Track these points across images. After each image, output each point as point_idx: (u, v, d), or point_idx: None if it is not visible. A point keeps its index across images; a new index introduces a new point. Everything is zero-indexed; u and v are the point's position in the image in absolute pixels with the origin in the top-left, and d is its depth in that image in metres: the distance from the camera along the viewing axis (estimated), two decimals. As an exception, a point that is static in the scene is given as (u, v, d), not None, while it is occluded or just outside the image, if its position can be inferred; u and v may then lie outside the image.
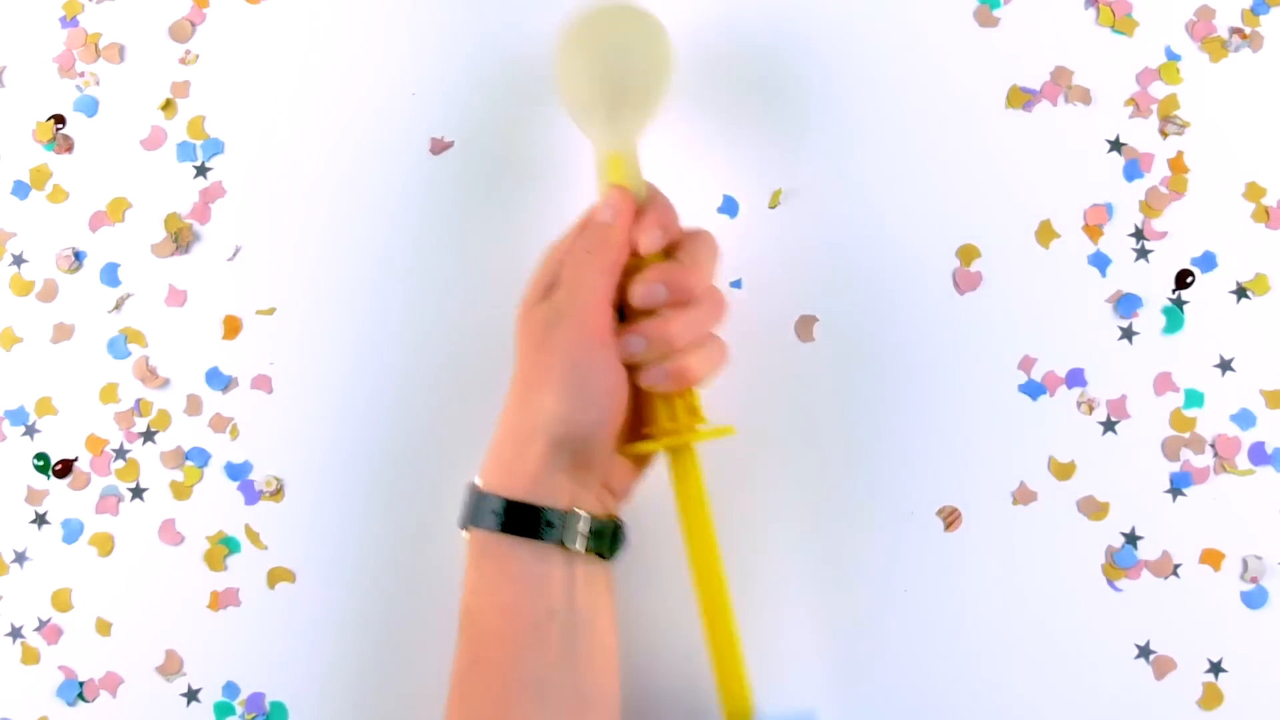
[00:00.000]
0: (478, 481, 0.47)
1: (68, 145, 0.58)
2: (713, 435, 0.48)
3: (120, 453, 0.56)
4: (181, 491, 0.55)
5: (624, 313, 0.49)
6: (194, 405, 0.56)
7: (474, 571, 0.46)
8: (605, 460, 0.47)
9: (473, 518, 0.46)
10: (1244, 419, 0.54)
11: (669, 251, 0.49)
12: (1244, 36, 0.56)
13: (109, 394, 0.56)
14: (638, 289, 0.47)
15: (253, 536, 0.55)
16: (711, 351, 0.48)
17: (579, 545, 0.45)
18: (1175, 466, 0.54)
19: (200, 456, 0.55)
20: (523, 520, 0.45)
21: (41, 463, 0.56)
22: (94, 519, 0.55)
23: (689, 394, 0.48)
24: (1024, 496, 0.54)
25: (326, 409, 0.55)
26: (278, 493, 0.55)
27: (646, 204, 0.49)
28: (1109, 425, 0.54)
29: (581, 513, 0.46)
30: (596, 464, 0.47)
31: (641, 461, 0.50)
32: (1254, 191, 0.55)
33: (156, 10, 0.58)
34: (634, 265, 0.48)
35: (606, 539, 0.47)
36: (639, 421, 0.49)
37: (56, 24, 0.58)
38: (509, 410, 0.47)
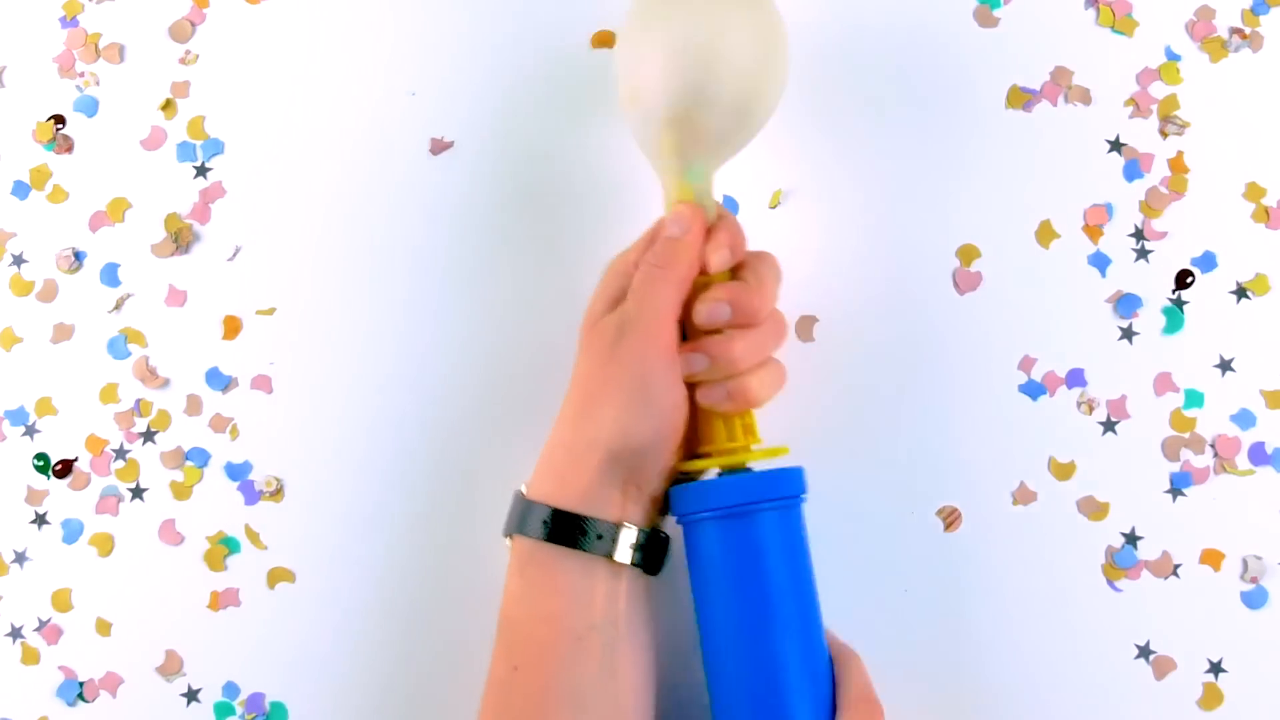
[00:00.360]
0: (523, 489, 0.47)
1: (68, 145, 0.58)
2: (769, 455, 0.48)
3: (120, 453, 0.56)
4: (181, 491, 0.55)
5: (685, 331, 0.48)
6: (194, 405, 0.56)
7: (517, 580, 0.46)
8: (658, 475, 0.47)
9: (519, 525, 0.46)
10: (1244, 419, 0.54)
11: (734, 272, 0.48)
12: (1244, 36, 0.56)
13: (109, 394, 0.56)
14: (703, 308, 0.47)
15: (253, 536, 0.55)
16: (772, 374, 0.48)
17: (626, 558, 0.45)
18: (1175, 466, 0.54)
19: (200, 456, 0.55)
20: (571, 531, 0.45)
21: (41, 463, 0.56)
22: (94, 519, 0.55)
23: (747, 413, 0.48)
24: (1024, 496, 0.54)
25: (326, 409, 0.55)
26: (278, 493, 0.55)
27: (715, 223, 0.48)
28: (1109, 425, 0.54)
29: (630, 526, 0.46)
30: (649, 479, 0.46)
31: (692, 478, 0.49)
32: (1254, 191, 0.55)
33: (156, 10, 0.58)
34: (699, 284, 0.48)
35: (652, 553, 0.47)
36: (692, 438, 0.48)
37: (56, 24, 0.58)
38: (565, 419, 0.47)
